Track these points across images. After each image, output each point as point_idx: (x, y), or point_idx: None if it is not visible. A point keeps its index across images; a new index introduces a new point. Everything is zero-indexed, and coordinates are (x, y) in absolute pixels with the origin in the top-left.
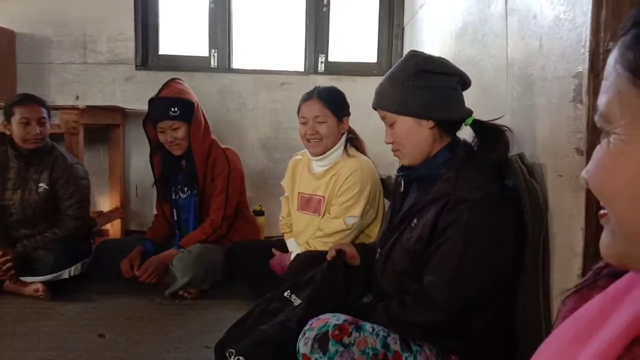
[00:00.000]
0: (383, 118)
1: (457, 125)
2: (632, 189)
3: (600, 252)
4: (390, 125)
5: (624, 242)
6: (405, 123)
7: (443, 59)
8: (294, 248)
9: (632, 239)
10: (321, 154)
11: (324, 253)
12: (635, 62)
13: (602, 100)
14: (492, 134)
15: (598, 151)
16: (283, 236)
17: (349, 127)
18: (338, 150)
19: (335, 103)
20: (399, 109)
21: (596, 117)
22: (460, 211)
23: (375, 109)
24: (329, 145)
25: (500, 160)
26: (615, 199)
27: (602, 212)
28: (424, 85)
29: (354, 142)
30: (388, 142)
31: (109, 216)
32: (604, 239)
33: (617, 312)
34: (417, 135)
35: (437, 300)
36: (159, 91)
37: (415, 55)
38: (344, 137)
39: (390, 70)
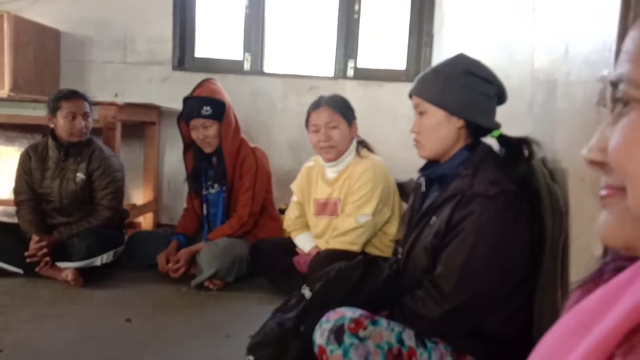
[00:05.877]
0: (416, 106)
1: (483, 133)
2: None
3: (600, 235)
4: (421, 113)
5: (636, 223)
6: (436, 115)
7: (490, 68)
8: (308, 242)
9: None
10: (335, 160)
11: (344, 252)
12: None
13: (629, 67)
14: (518, 149)
15: (625, 124)
16: (290, 235)
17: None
18: (351, 154)
19: (343, 108)
20: (435, 100)
21: (622, 87)
22: (474, 206)
23: (411, 96)
24: (342, 150)
25: (524, 172)
26: None
27: (604, 193)
28: (465, 84)
29: (364, 144)
30: (414, 130)
31: (142, 209)
32: (606, 221)
33: (618, 303)
34: (443, 130)
35: (444, 291)
36: (193, 90)
37: (465, 57)
38: (355, 141)
39: (437, 64)
